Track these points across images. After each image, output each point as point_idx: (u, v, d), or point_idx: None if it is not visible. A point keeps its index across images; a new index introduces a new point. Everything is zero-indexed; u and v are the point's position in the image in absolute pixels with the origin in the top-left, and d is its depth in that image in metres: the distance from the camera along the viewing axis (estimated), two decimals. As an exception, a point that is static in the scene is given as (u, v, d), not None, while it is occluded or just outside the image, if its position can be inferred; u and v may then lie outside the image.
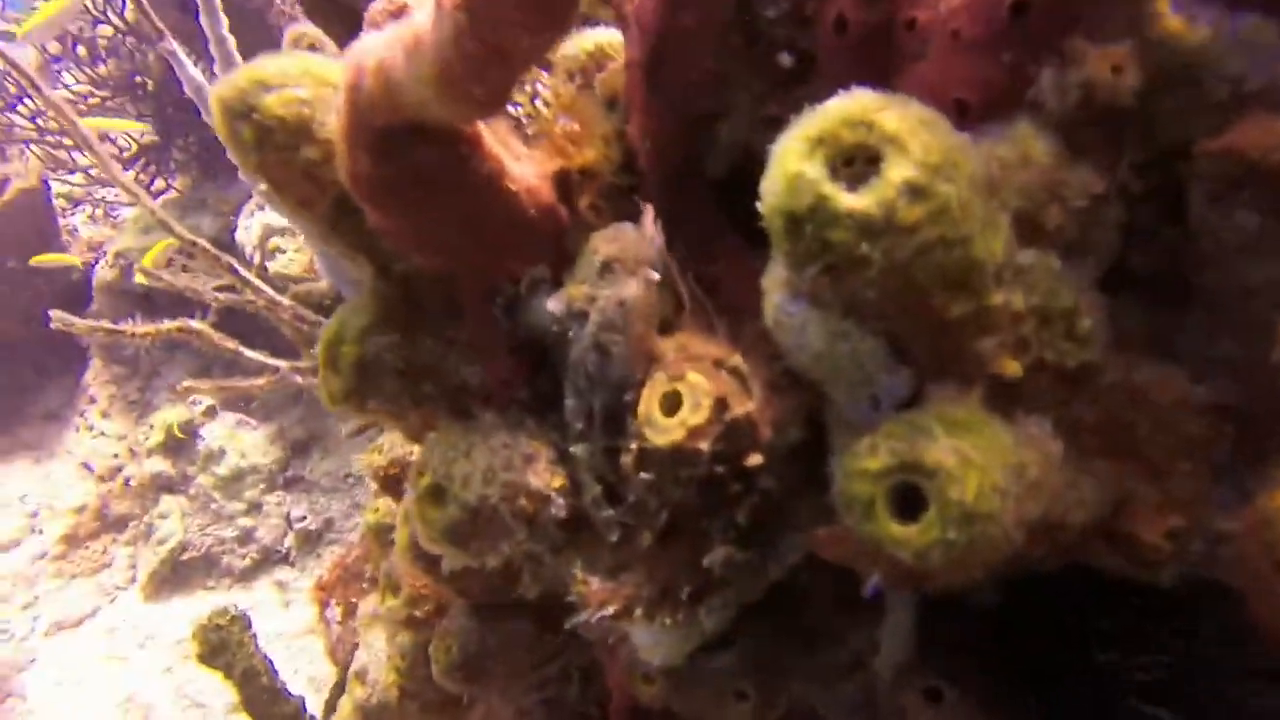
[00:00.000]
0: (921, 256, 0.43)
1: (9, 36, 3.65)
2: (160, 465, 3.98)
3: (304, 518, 4.13)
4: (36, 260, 3.46)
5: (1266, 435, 0.57)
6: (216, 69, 1.52)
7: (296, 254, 3.82)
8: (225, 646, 1.42)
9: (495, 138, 0.61)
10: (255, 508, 4.12)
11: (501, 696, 1.32)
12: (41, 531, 3.86)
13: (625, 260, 0.61)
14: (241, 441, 4.14)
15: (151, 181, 4.13)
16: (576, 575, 0.69)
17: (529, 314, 0.67)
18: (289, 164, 0.59)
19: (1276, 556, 0.48)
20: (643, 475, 0.58)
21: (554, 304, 0.65)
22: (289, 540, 4.14)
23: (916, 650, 0.84)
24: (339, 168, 0.57)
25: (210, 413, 4.18)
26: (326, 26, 1.29)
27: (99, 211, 4.30)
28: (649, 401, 0.58)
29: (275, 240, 3.83)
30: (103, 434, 4.19)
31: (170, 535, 3.91)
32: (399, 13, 0.76)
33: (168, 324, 1.57)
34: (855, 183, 0.44)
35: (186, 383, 1.51)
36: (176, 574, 3.90)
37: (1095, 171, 0.51)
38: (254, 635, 1.46)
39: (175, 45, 1.45)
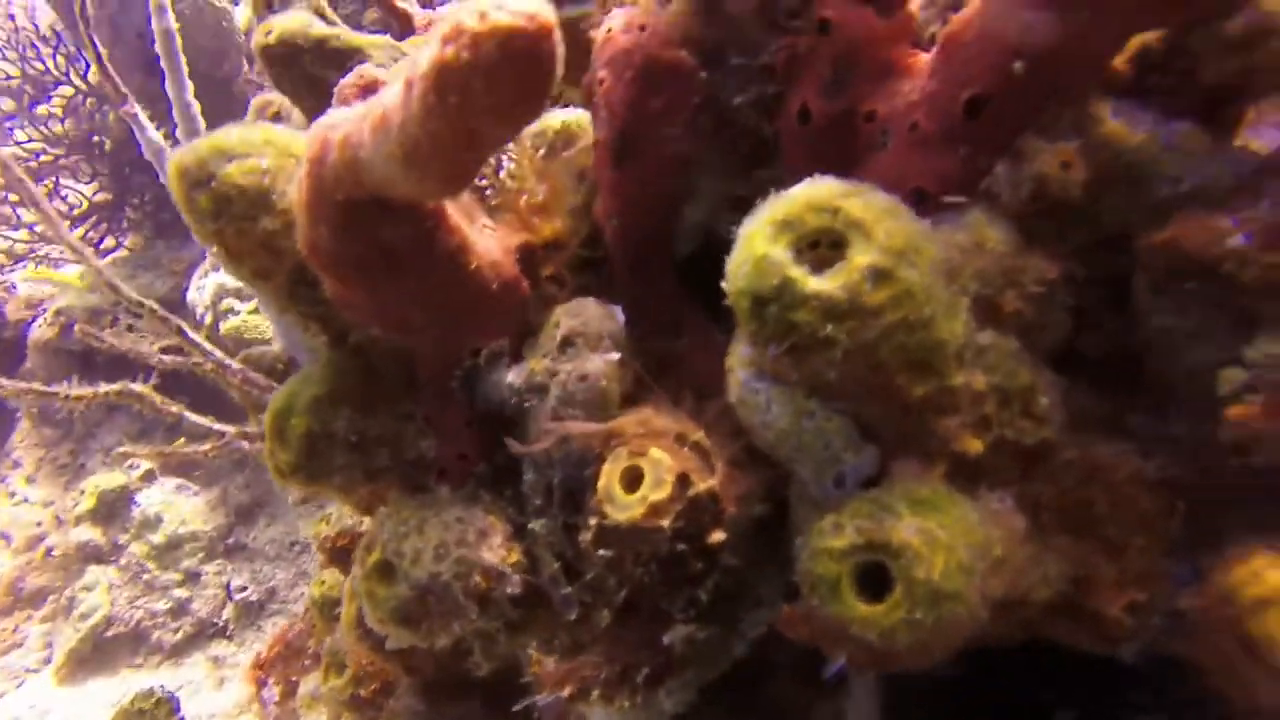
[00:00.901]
0: (885, 338, 0.44)
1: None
2: (89, 533, 3.78)
3: (245, 588, 3.94)
4: None
5: (1217, 511, 0.58)
6: (179, 133, 1.51)
7: (250, 315, 3.75)
8: (149, 733, 1.32)
9: (459, 210, 0.61)
10: (192, 578, 3.92)
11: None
12: (-51, 606, 3.60)
13: (588, 335, 0.61)
14: (180, 508, 3.96)
15: (101, 240, 4.05)
16: (531, 655, 0.66)
17: (488, 387, 0.66)
18: (246, 234, 0.58)
19: (1240, 633, 0.48)
20: (601, 552, 0.57)
21: (514, 377, 0.65)
22: (227, 612, 3.93)
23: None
24: (298, 239, 0.56)
25: (148, 477, 4.01)
26: (294, 96, 1.29)
27: (43, 269, 4.18)
28: (609, 477, 0.57)
29: (228, 301, 3.76)
30: (25, 500, 3.97)
31: (94, 610, 3.68)
32: (369, 88, 0.76)
33: (107, 387, 1.51)
34: (820, 266, 0.44)
35: (124, 448, 1.45)
36: (98, 652, 3.66)
37: (1047, 259, 0.53)
38: (182, 718, 1.36)
39: (137, 108, 1.44)
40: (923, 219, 0.51)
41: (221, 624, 3.85)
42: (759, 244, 0.45)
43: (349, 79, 0.79)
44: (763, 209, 0.48)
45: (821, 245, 0.46)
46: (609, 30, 0.61)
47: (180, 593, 3.79)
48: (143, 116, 1.52)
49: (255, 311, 3.81)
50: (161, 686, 1.38)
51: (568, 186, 0.72)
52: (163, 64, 1.48)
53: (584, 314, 0.62)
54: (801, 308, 0.43)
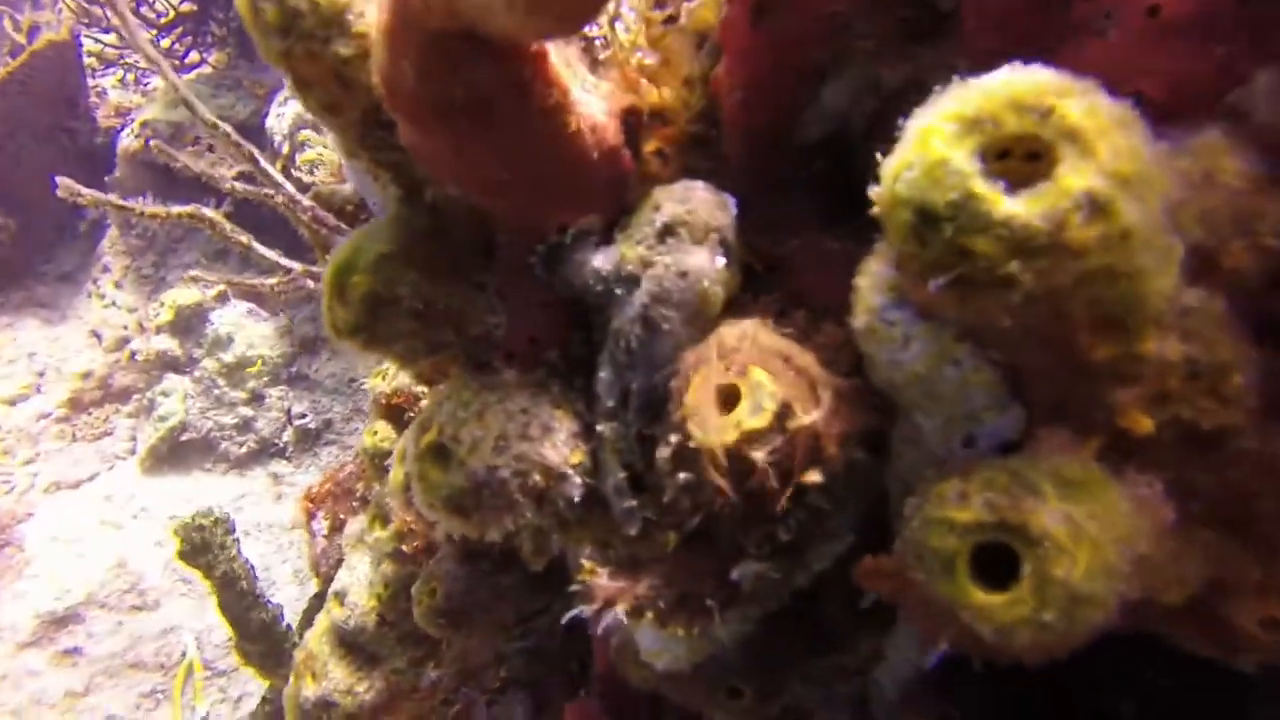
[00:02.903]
0: (1082, 286, 0.34)
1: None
2: (167, 343, 3.96)
3: (304, 415, 4.12)
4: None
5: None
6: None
7: (326, 149, 3.71)
8: (207, 547, 1.38)
9: (561, 59, 0.52)
10: (257, 398, 4.11)
11: (481, 639, 1.29)
12: (45, 392, 3.86)
13: (693, 225, 0.53)
14: (250, 331, 4.10)
15: (186, 54, 3.99)
16: (584, 564, 0.62)
17: (571, 268, 0.59)
18: (316, 58, 0.50)
19: None
20: (680, 475, 0.51)
21: (601, 261, 0.57)
22: (287, 435, 4.14)
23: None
24: (375, 72, 0.48)
25: (222, 298, 4.14)
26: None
27: (130, 76, 4.17)
28: (700, 392, 0.50)
29: (306, 131, 3.71)
30: (114, 304, 4.16)
31: (171, 414, 3.91)
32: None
33: (179, 208, 1.49)
34: (1015, 184, 0.35)
35: (194, 272, 1.44)
36: (175, 453, 3.92)
37: (1292, 202, 0.41)
38: (236, 539, 1.42)
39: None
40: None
41: (281, 445, 4.07)
42: (937, 144, 0.36)
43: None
44: (945, 98, 0.37)
45: (1013, 156, 0.37)
46: None
47: (246, 411, 3.98)
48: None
49: (330, 146, 3.76)
50: (219, 506, 1.43)
51: (686, 51, 0.61)
52: None
53: (691, 200, 0.53)
54: (983, 234, 0.34)
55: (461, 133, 0.47)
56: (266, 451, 4.08)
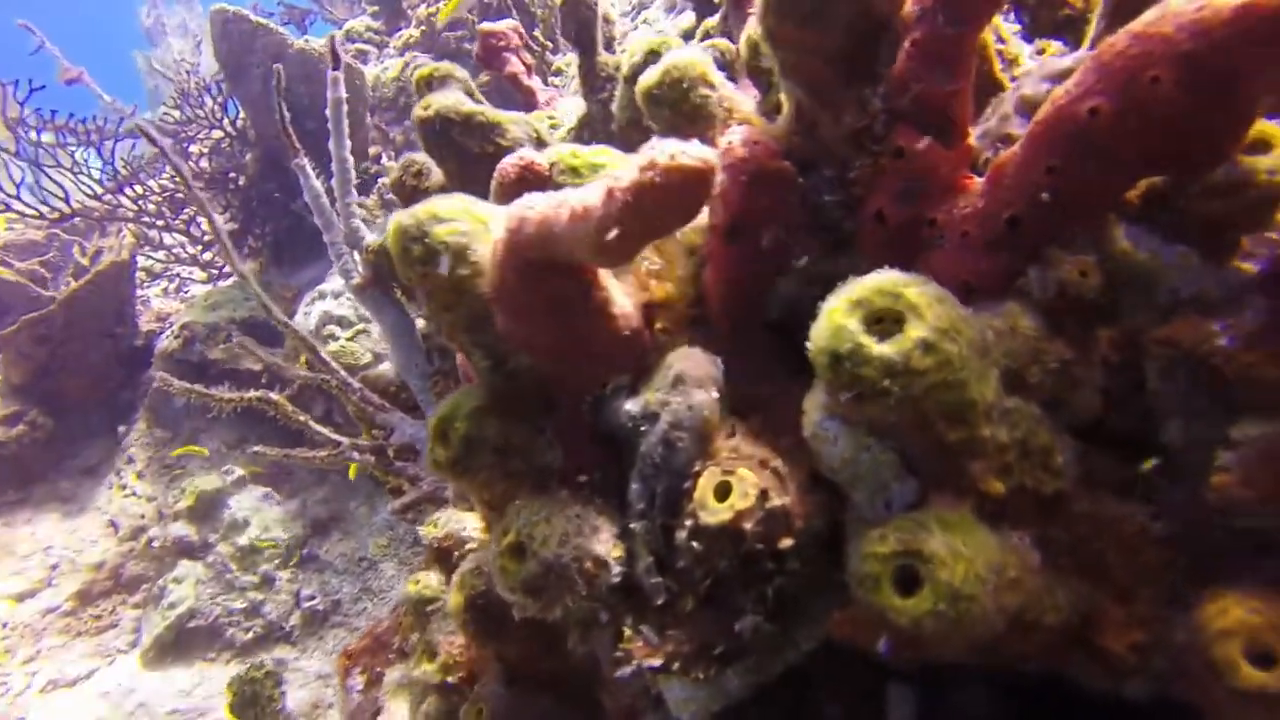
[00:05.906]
0: (928, 394, 0.58)
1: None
2: (185, 529, 4.08)
3: (313, 597, 4.16)
4: None
5: (1209, 564, 0.69)
6: (335, 183, 1.77)
7: (348, 342, 4.06)
8: (255, 700, 1.50)
9: (604, 272, 0.79)
10: (268, 582, 4.16)
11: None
12: (56, 585, 3.92)
13: (696, 376, 0.77)
14: (265, 515, 4.23)
15: (223, 265, 4.45)
16: (625, 632, 0.81)
17: (610, 412, 0.82)
18: (445, 278, 0.76)
19: (1206, 658, 0.60)
20: (693, 544, 0.72)
21: (632, 406, 0.81)
22: (295, 618, 4.15)
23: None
24: (486, 283, 0.74)
25: (240, 483, 4.31)
26: (439, 159, 1.54)
27: (172, 286, 4.61)
28: (705, 488, 0.72)
29: (331, 327, 4.09)
30: (134, 494, 4.32)
31: (181, 601, 3.95)
32: (528, 166, 0.96)
33: (251, 393, 1.75)
34: (884, 336, 0.60)
35: (258, 448, 1.67)
36: (179, 641, 3.91)
37: (1067, 344, 0.67)
38: (283, 693, 1.53)
39: (305, 161, 1.70)
40: (966, 307, 0.66)
41: (288, 629, 4.07)
42: (838, 316, 0.61)
43: (511, 159, 0.99)
44: (841, 290, 0.63)
45: (885, 321, 0.62)
46: (729, 142, 0.79)
47: (256, 595, 4.04)
48: (309, 168, 1.78)
49: (352, 339, 4.12)
50: (269, 660, 1.56)
51: (681, 257, 0.90)
52: (330, 127, 1.74)
53: (693, 359, 0.78)
54: (867, 365, 0.59)
55: (541, 320, 0.73)
56: (272, 636, 4.07)
